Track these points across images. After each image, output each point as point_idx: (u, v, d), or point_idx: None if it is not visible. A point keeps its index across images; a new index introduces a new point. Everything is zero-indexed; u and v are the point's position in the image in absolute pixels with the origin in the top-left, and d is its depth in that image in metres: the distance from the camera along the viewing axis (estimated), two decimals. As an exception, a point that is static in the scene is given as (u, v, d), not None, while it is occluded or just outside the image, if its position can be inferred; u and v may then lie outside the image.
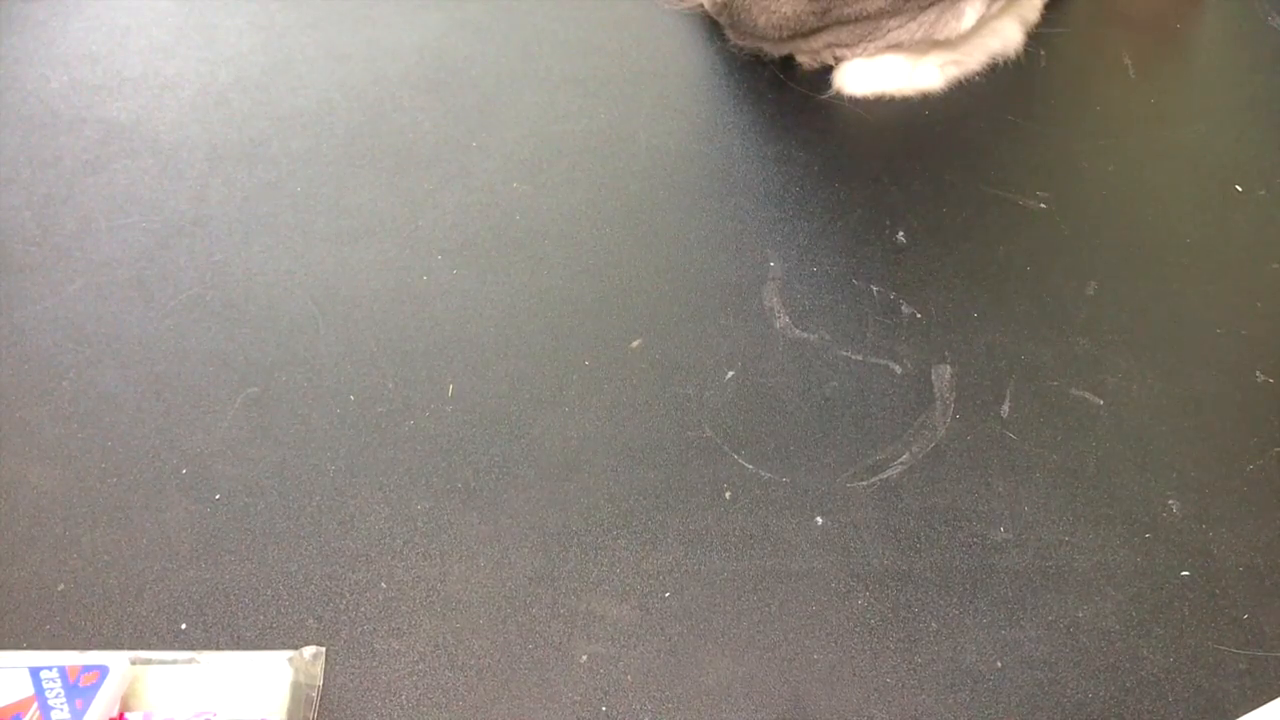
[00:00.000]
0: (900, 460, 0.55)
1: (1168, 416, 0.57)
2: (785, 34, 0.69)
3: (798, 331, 0.61)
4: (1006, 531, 0.53)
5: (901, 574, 0.51)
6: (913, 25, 0.67)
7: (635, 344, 0.59)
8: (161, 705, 0.47)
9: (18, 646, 0.50)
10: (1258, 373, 0.58)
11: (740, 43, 0.74)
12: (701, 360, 0.59)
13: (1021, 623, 0.50)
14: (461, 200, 0.67)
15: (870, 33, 0.68)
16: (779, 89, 0.72)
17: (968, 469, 0.55)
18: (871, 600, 0.51)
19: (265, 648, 0.49)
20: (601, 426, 0.57)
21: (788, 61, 0.73)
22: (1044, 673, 0.48)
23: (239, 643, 0.50)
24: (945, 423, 0.56)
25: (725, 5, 0.71)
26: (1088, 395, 0.57)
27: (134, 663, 0.48)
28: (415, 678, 0.49)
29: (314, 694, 0.48)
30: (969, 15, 0.66)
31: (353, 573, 0.52)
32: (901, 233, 0.65)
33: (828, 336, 0.60)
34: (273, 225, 0.66)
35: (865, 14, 0.66)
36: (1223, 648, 0.49)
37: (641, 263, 0.64)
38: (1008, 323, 0.60)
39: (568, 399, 0.58)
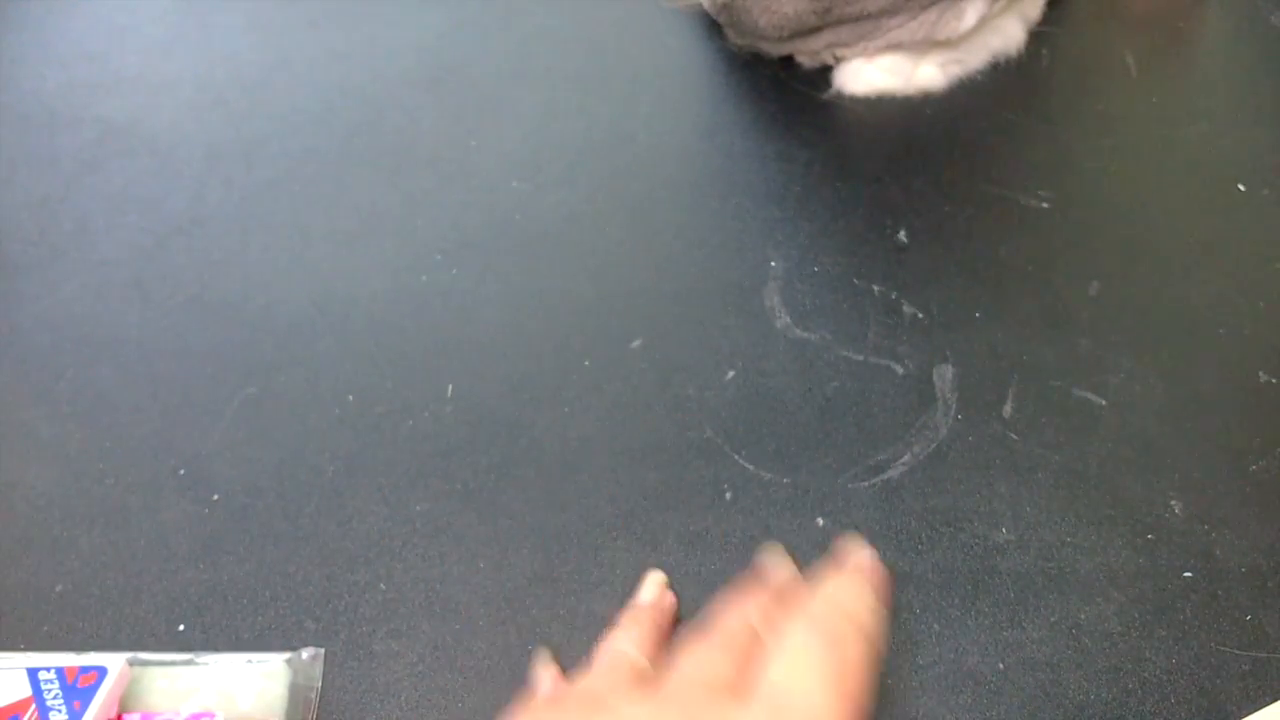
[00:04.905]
0: (902, 461, 0.55)
1: (1170, 417, 0.56)
2: (786, 33, 0.69)
3: (799, 331, 0.60)
4: (1009, 532, 0.52)
5: (903, 575, 0.51)
6: (914, 24, 0.67)
7: (635, 344, 0.59)
8: (159, 706, 0.47)
9: (15, 648, 0.50)
10: (1261, 373, 0.58)
11: (740, 42, 0.74)
12: (702, 360, 0.59)
13: (1023, 624, 0.50)
14: (460, 199, 0.67)
15: (871, 32, 0.68)
16: (779, 88, 0.72)
17: (970, 470, 0.55)
18: (873, 602, 0.51)
19: (263, 649, 0.49)
20: (601, 427, 0.57)
21: (788, 61, 0.74)
22: (1046, 674, 0.48)
23: (237, 644, 0.50)
24: (947, 423, 0.56)
25: (725, 5, 0.71)
26: (1090, 395, 0.57)
27: (132, 664, 0.48)
28: (414, 679, 0.49)
29: (312, 695, 0.48)
30: (970, 15, 0.67)
31: (351, 574, 0.52)
32: (903, 232, 0.65)
33: (829, 336, 0.60)
34: (271, 225, 0.66)
35: (866, 13, 0.66)
36: (1225, 649, 0.48)
37: (641, 262, 0.64)
38: (1010, 323, 0.60)
39: (567, 399, 0.58)
